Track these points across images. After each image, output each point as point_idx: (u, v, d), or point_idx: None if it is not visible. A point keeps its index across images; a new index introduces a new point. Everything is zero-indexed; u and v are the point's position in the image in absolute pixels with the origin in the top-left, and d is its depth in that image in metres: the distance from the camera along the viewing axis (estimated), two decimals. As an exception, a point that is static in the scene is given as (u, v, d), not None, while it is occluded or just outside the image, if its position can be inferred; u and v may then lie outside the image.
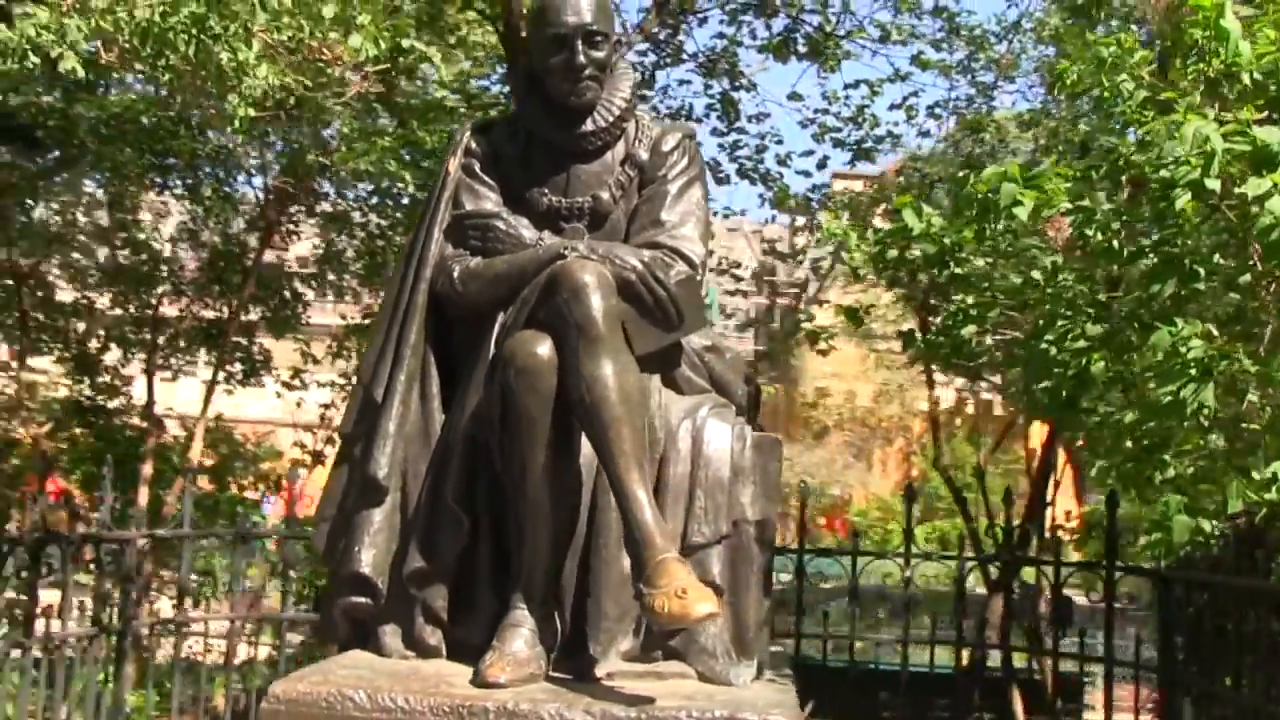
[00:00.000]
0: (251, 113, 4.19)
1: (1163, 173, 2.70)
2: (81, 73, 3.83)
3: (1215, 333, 2.52)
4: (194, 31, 3.51)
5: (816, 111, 11.97)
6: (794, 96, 12.26)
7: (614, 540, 2.87)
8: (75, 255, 12.26)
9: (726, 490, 3.03)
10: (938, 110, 12.44)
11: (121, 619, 5.70)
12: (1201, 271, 2.74)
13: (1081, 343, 3.25)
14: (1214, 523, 3.24)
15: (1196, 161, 2.50)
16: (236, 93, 3.84)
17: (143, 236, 12.17)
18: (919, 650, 5.62)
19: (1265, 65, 2.81)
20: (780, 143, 12.25)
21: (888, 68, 19.94)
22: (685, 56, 11.90)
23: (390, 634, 3.09)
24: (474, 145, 3.39)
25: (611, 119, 3.27)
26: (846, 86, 11.81)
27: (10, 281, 11.89)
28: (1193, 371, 2.46)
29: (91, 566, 5.75)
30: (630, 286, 2.99)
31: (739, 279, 14.46)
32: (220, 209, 11.59)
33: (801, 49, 11.25)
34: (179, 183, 11.87)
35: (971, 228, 3.32)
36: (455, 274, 3.16)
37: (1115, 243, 2.97)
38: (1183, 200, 2.38)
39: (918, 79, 16.80)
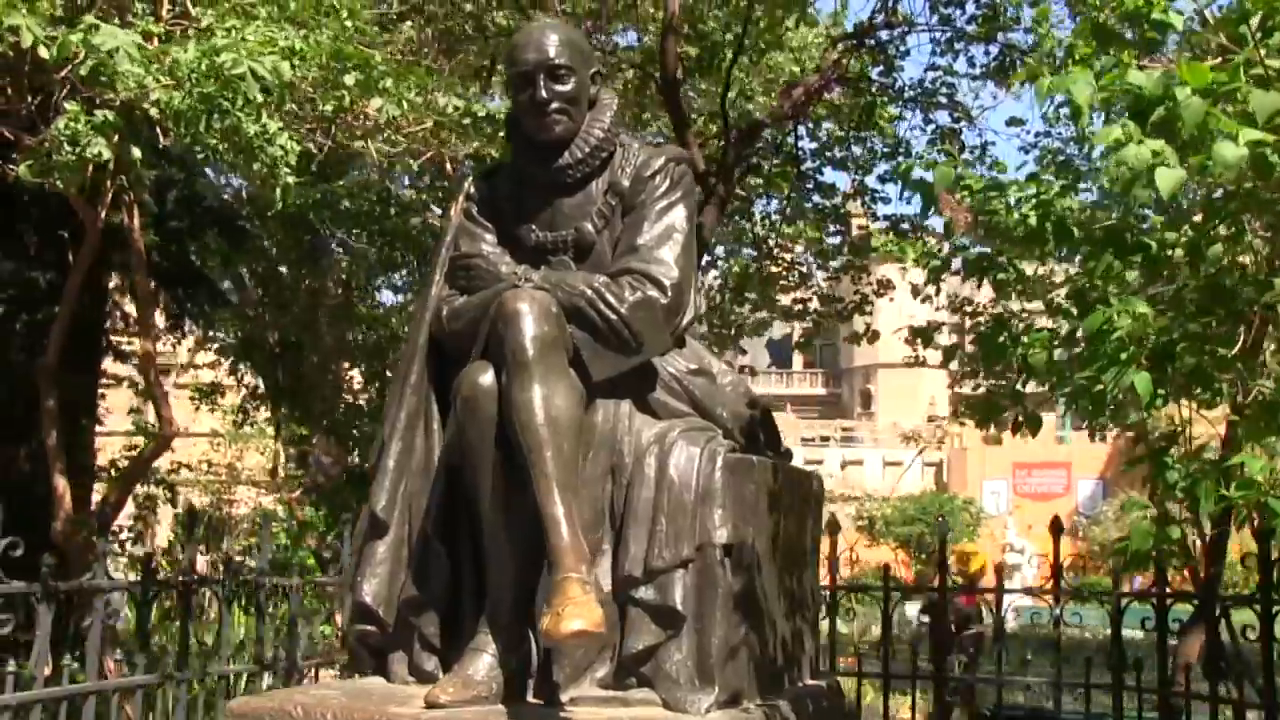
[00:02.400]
0: (292, 180, 4.67)
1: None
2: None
3: (1150, 311, 2.35)
4: (202, 107, 4.01)
5: (1038, 135, 11.65)
6: (1014, 121, 11.98)
7: (579, 565, 3.03)
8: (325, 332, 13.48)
9: (690, 513, 3.12)
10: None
11: (288, 658, 6.27)
12: (1153, 246, 2.57)
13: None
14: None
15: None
16: (261, 162, 4.33)
17: (381, 312, 13.25)
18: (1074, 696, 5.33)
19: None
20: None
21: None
22: (894, 90, 11.88)
23: (398, 661, 3.38)
24: (474, 190, 3.69)
25: (588, 149, 3.46)
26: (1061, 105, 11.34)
27: (278, 352, 13.18)
28: (1122, 356, 2.32)
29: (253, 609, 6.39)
30: (580, 313, 3.17)
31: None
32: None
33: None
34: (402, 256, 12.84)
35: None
36: (443, 314, 3.43)
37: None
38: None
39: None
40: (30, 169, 4.29)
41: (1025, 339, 2.94)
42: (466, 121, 5.60)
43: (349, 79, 4.56)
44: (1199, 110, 2.22)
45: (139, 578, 5.39)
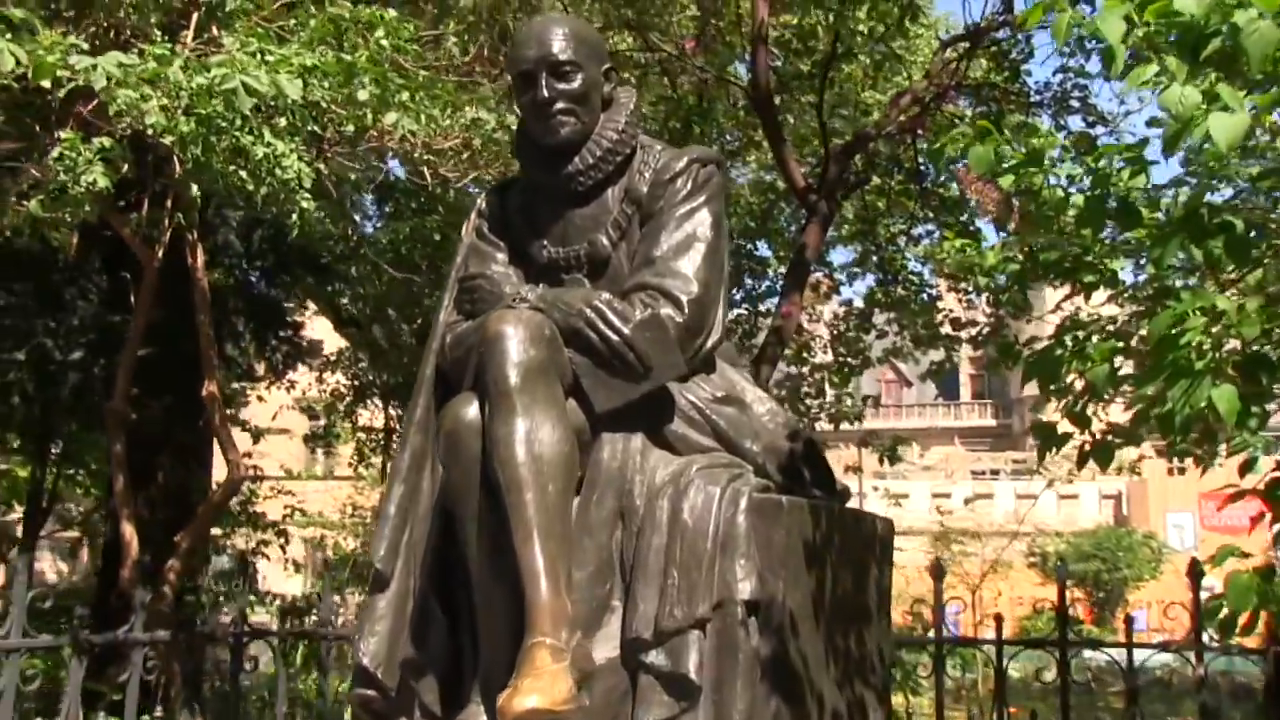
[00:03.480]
0: (309, 203, 4.49)
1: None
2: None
3: (1231, 308, 1.89)
4: (200, 129, 3.85)
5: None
6: (1154, 122, 11.17)
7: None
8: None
9: (707, 564, 2.77)
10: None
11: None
12: (1238, 225, 2.08)
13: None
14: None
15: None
16: (269, 185, 4.15)
17: None
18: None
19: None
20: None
21: None
22: (1021, 96, 11.26)
23: (401, 730, 3.10)
24: (486, 207, 3.43)
25: (600, 153, 3.18)
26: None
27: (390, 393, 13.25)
28: (1197, 365, 1.87)
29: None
30: (579, 336, 2.86)
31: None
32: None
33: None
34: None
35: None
36: (447, 342, 3.18)
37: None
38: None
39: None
40: (40, 204, 4.20)
41: (1088, 349, 2.48)
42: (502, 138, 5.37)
43: (362, 94, 4.37)
44: (1270, 38, 1.76)
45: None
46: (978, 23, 9.64)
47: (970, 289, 13.06)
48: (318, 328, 14.49)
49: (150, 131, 3.93)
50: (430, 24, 6.30)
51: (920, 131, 11.07)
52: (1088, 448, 2.80)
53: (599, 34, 3.41)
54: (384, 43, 4.65)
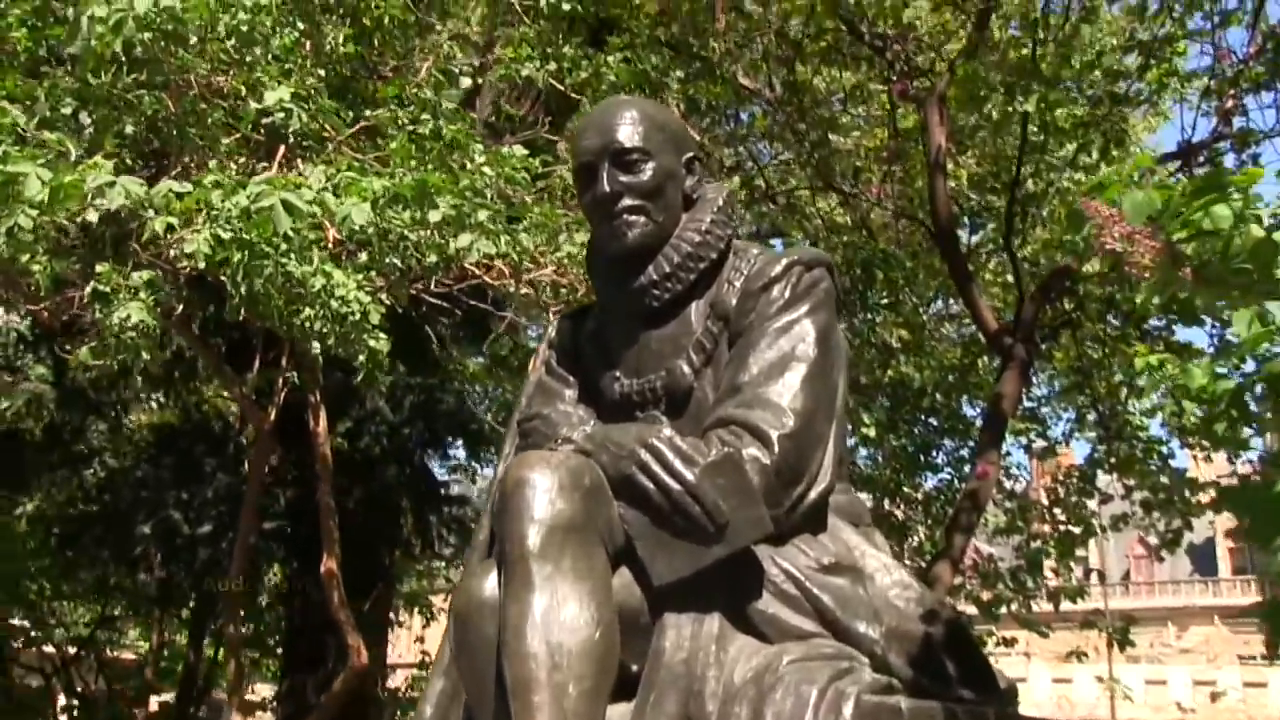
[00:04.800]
0: (381, 344, 4.10)
1: None
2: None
3: None
4: (240, 255, 3.54)
5: None
6: None
7: None
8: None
9: (798, 797, 2.10)
10: None
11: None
12: None
13: None
14: None
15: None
16: (324, 320, 3.78)
17: None
18: None
19: None
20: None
21: None
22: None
23: None
24: (556, 336, 2.97)
25: (678, 259, 2.67)
26: None
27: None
28: None
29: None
30: (631, 484, 2.30)
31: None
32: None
33: None
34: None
35: None
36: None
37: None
38: None
39: None
40: (91, 351, 3.97)
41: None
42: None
43: (434, 214, 4.00)
44: None
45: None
46: (1189, 139, 8.81)
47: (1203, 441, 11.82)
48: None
49: (192, 263, 3.66)
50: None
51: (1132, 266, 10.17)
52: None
53: (680, 119, 2.92)
54: (486, 170, 4.32)
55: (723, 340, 2.65)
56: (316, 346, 4.65)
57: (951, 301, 13.41)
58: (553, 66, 5.78)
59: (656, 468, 2.29)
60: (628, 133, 2.66)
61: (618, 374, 2.73)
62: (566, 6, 5.63)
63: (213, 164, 4.00)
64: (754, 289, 2.63)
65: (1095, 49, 9.39)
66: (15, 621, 13.85)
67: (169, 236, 3.66)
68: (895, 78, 8.70)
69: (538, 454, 2.30)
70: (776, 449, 2.39)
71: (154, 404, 10.33)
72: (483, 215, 4.05)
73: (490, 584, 2.25)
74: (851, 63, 10.34)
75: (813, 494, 2.47)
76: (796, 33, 9.28)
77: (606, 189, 2.64)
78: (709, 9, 8.62)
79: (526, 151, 5.09)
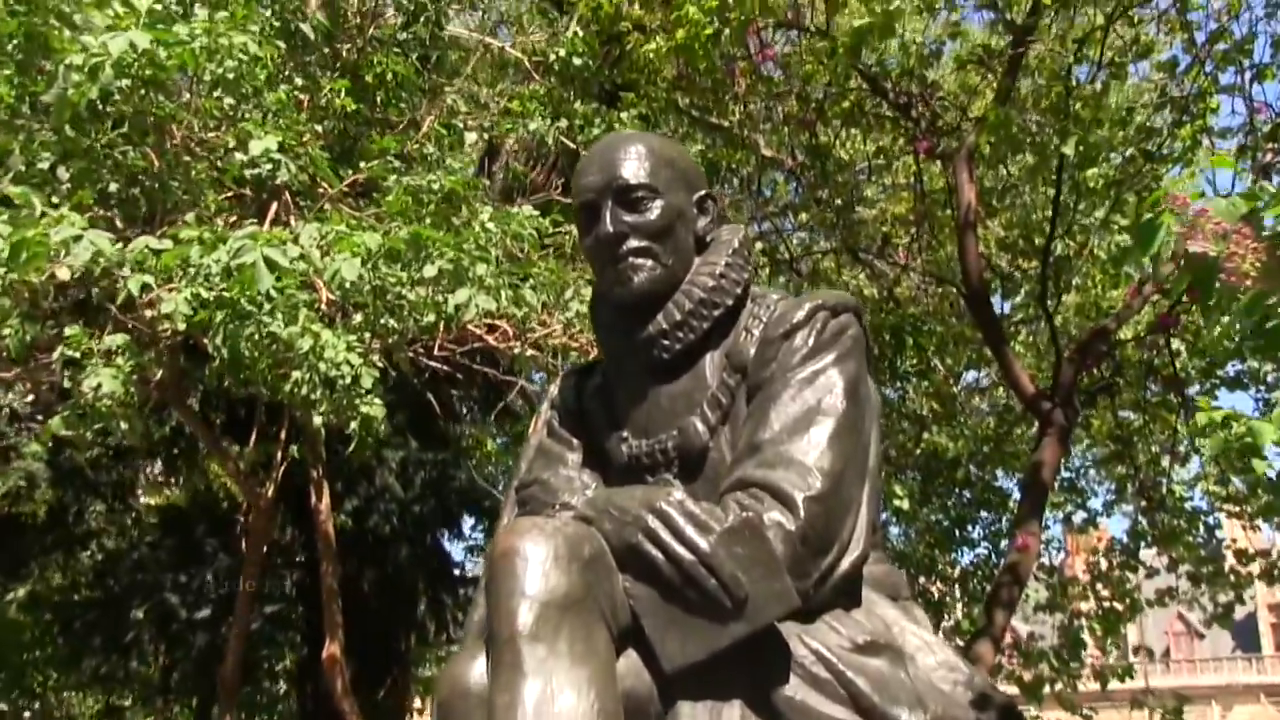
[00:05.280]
0: (375, 409, 3.86)
1: None
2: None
3: None
4: (221, 314, 3.32)
5: None
6: None
7: None
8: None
9: None
10: None
11: None
12: None
13: None
14: None
15: None
16: (309, 384, 3.56)
17: None
18: None
19: None
20: None
21: None
22: None
23: None
24: (558, 395, 2.72)
25: (690, 306, 2.42)
26: None
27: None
28: None
29: None
30: (638, 554, 2.03)
31: None
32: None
33: None
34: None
35: None
36: None
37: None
38: None
39: None
40: (64, 420, 3.73)
41: None
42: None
43: (429, 269, 3.76)
44: None
45: None
46: (1229, 195, 8.54)
47: (1250, 510, 11.48)
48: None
49: (171, 325, 3.43)
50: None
51: (1173, 329, 9.87)
52: None
53: (690, 155, 2.69)
54: (490, 226, 4.10)
55: (740, 394, 2.39)
56: (318, 419, 4.42)
57: (984, 371, 13.14)
58: (564, 124, 5.59)
59: (666, 535, 2.03)
60: (633, 168, 2.43)
61: (625, 434, 2.48)
62: (578, 62, 5.46)
63: (190, 216, 3.79)
64: (774, 336, 2.37)
65: (1125, 105, 9.21)
66: (26, 716, 13.55)
67: (144, 296, 3.44)
68: (920, 136, 8.49)
69: (530, 520, 2.04)
70: (803, 513, 2.12)
71: (160, 483, 10.14)
72: (482, 269, 3.81)
73: (478, 669, 1.98)
74: (875, 124, 10.20)
75: (844, 564, 2.20)
76: (817, 95, 9.15)
77: (610, 229, 2.41)
78: (728, 74, 8.49)
79: (536, 212, 4.90)
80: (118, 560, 8.41)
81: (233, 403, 7.27)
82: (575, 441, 2.59)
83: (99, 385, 3.41)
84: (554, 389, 2.79)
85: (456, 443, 9.17)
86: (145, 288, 3.38)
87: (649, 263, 2.41)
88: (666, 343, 2.42)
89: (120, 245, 3.42)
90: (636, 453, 2.44)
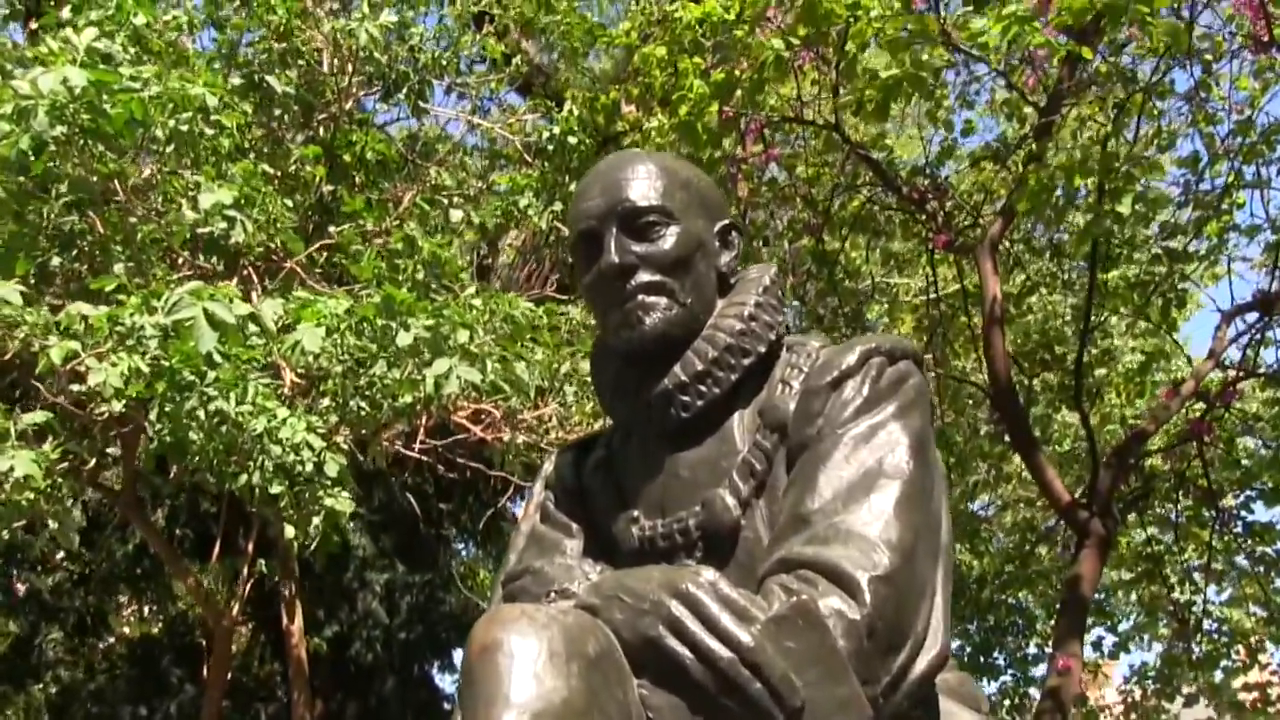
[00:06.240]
0: (343, 503, 3.41)
1: None
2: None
3: None
4: (159, 385, 2.91)
5: None
6: None
7: None
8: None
9: None
10: None
11: None
12: None
13: None
14: None
15: None
16: (260, 472, 3.13)
17: None
18: None
19: None
20: None
21: None
22: None
23: None
24: (554, 473, 2.26)
25: (714, 354, 1.98)
26: None
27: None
28: None
29: None
30: (657, 650, 1.57)
31: None
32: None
33: None
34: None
35: None
36: None
37: None
38: None
39: None
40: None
41: None
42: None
43: (404, 338, 3.32)
44: None
45: None
46: (1265, 290, 8.19)
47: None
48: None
49: (102, 402, 3.00)
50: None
51: (1207, 438, 9.46)
52: None
53: (709, 179, 2.28)
54: (475, 302, 3.69)
55: (779, 459, 1.93)
56: (290, 530, 3.96)
57: (1005, 486, 12.73)
58: (559, 208, 5.25)
59: (695, 626, 1.56)
60: (642, 189, 2.01)
61: (636, 514, 2.02)
62: (573, 140, 5.13)
63: (118, 268, 3.38)
64: (819, 386, 1.92)
65: (1151, 198, 9.00)
66: None
67: (67, 368, 3.02)
68: (937, 230, 8.19)
69: (519, 608, 1.57)
70: (869, 598, 1.65)
71: (130, 610, 9.62)
72: (464, 336, 3.39)
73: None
74: (885, 224, 9.97)
75: (920, 664, 1.72)
76: (824, 197, 8.92)
77: (615, 260, 1.97)
78: (729, 178, 8.24)
79: (532, 305, 4.53)
80: (73, 693, 7.86)
81: (204, 517, 6.82)
82: (575, 526, 2.13)
83: (11, 470, 2.96)
84: (548, 466, 2.33)
85: (447, 565, 8.65)
86: (71, 356, 2.97)
87: (663, 300, 1.98)
88: (686, 398, 1.97)
89: (39, 310, 3.02)
90: (650, 535, 1.98)
